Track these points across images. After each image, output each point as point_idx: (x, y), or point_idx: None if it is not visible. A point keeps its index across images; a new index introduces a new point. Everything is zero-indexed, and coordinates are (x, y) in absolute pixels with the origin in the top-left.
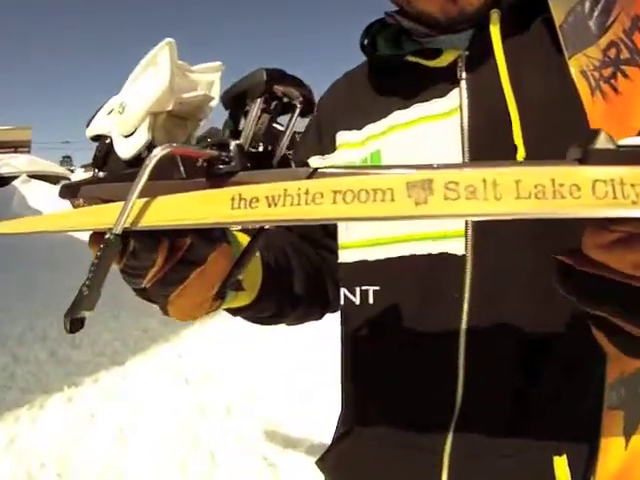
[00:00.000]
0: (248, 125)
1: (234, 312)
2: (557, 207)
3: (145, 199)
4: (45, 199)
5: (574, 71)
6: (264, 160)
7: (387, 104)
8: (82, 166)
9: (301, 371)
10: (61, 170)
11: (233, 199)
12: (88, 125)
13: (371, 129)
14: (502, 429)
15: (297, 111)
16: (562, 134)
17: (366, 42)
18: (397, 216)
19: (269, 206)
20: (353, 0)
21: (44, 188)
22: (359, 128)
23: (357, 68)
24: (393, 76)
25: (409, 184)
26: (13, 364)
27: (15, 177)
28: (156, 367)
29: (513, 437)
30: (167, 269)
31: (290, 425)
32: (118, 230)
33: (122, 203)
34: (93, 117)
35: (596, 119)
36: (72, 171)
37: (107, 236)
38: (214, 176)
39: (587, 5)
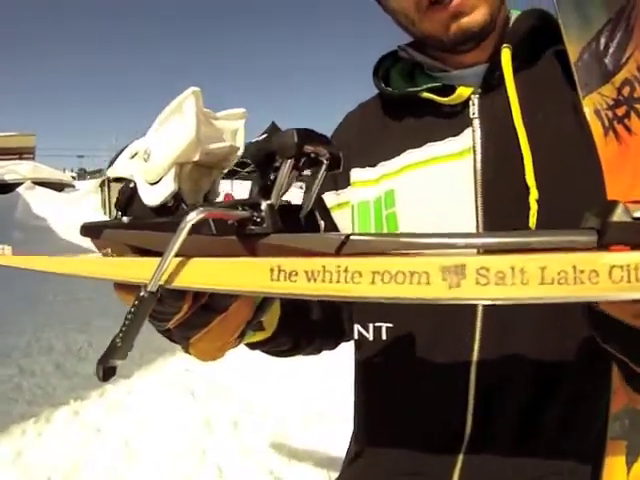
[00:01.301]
0: (279, 185)
1: (251, 346)
2: (577, 292)
3: (180, 258)
4: (49, 206)
5: (588, 111)
6: (292, 214)
7: (400, 141)
8: (88, 173)
9: (308, 385)
10: (65, 177)
11: (272, 270)
12: (110, 165)
13: (385, 167)
14: (508, 460)
15: (324, 167)
16: (574, 176)
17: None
18: (432, 298)
19: (308, 281)
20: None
21: (48, 195)
22: (373, 165)
23: (371, 100)
24: (406, 111)
25: (444, 268)
26: (19, 376)
27: (19, 184)
28: (162, 381)
29: (518, 467)
30: (190, 314)
31: (297, 439)
32: (153, 288)
33: (155, 259)
34: (116, 157)
35: (609, 161)
36: (75, 178)
37: (142, 293)
38: (245, 236)
39: (602, 41)
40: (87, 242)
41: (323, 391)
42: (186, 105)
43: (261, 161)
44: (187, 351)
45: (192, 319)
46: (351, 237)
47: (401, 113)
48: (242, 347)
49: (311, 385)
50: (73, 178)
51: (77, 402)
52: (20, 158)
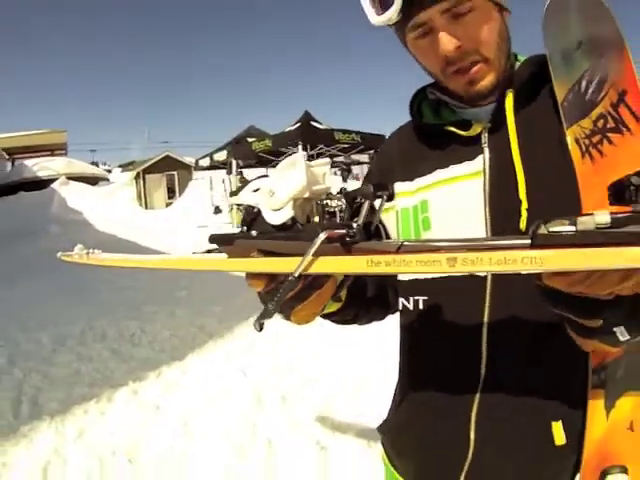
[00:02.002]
0: (362, 214)
1: (325, 316)
2: (503, 269)
3: (315, 255)
4: (84, 200)
5: (570, 139)
6: (367, 228)
7: (431, 162)
8: (119, 166)
9: (351, 361)
10: (98, 171)
11: (367, 261)
12: (234, 194)
13: (420, 182)
14: (515, 400)
15: (385, 199)
16: (557, 192)
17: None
18: (442, 271)
19: (386, 266)
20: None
21: (83, 189)
22: (411, 180)
23: (408, 124)
24: (435, 138)
25: (447, 258)
26: (77, 362)
27: (53, 180)
28: (213, 361)
29: (523, 406)
30: (299, 290)
31: (341, 411)
32: (297, 274)
33: (289, 259)
34: (240, 189)
35: (584, 178)
36: (110, 171)
37: (290, 278)
38: (345, 244)
39: (584, 83)
40: (122, 233)
41: (366, 366)
42: (298, 163)
43: (350, 199)
44: (287, 318)
45: (300, 293)
46: (404, 243)
47: (431, 139)
48: (286, 328)
49: (353, 362)
50: (108, 172)
51: (135, 383)
52: (52, 155)
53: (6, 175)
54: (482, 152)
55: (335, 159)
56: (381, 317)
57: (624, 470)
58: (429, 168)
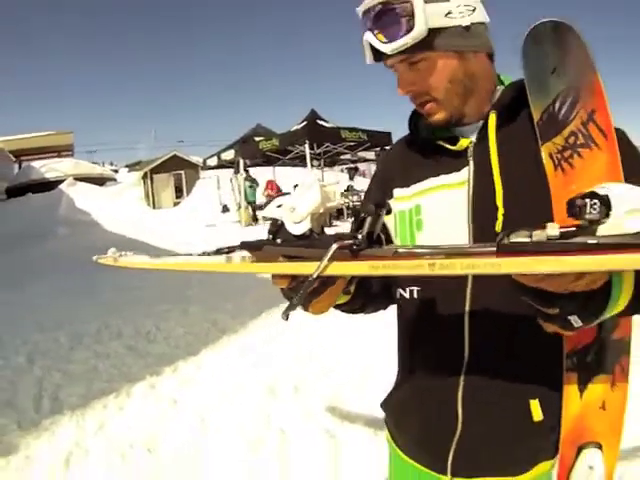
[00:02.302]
0: (365, 227)
1: (335, 307)
2: (481, 272)
3: (330, 261)
4: (91, 200)
5: (544, 154)
6: (370, 237)
7: (425, 171)
8: (126, 166)
9: (359, 354)
10: (106, 171)
11: (369, 266)
12: (261, 208)
13: (415, 188)
14: (495, 381)
15: (384, 214)
16: (531, 200)
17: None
18: (424, 273)
19: (383, 268)
20: None
21: (90, 190)
22: (407, 186)
23: (407, 137)
24: (428, 151)
25: (429, 264)
26: (95, 359)
27: (61, 181)
28: (227, 355)
29: (503, 385)
30: (316, 286)
31: (350, 402)
32: (315, 275)
33: (309, 263)
34: (266, 204)
35: (556, 189)
36: (116, 171)
37: (310, 278)
38: (353, 251)
39: (557, 105)
40: (131, 233)
41: (373, 358)
42: (314, 186)
43: (356, 215)
44: (306, 310)
45: (317, 290)
46: (398, 250)
47: (425, 151)
48: (296, 323)
49: (362, 353)
50: (115, 172)
51: (152, 378)
52: (59, 156)
53: (13, 177)
54: (468, 164)
55: (342, 157)
56: (384, 307)
57: (598, 446)
58: (423, 176)
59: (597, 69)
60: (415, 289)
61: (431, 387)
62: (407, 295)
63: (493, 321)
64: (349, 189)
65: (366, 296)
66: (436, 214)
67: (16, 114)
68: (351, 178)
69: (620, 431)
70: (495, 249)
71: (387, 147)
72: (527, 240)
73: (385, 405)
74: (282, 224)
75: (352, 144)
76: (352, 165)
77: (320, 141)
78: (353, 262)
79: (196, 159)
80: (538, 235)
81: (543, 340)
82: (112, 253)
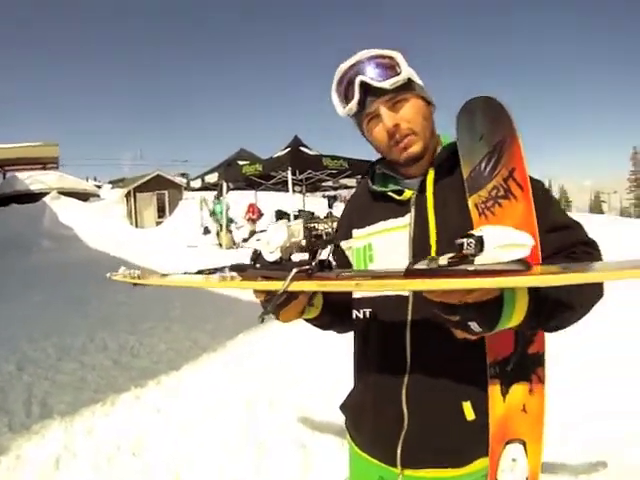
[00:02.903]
0: (317, 257)
1: (308, 321)
2: (391, 289)
3: (291, 280)
4: (75, 215)
5: (471, 204)
6: (322, 264)
7: (377, 216)
8: (110, 182)
9: (328, 369)
10: (90, 187)
11: (318, 284)
12: (245, 241)
13: (368, 229)
14: (433, 384)
15: (332, 248)
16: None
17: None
18: (352, 290)
19: (328, 286)
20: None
21: (74, 204)
22: (362, 227)
23: (364, 184)
24: (380, 199)
25: (356, 283)
26: (82, 370)
27: (45, 193)
28: (208, 372)
29: (439, 388)
30: (283, 300)
31: (322, 412)
32: (282, 290)
33: (278, 282)
34: (248, 238)
35: None
36: (99, 187)
37: (279, 292)
38: (308, 274)
39: (483, 164)
40: (113, 251)
41: (341, 372)
42: (283, 226)
43: (312, 248)
44: (277, 318)
45: (284, 302)
46: (341, 273)
47: (378, 199)
48: (272, 343)
49: (331, 368)
50: (98, 187)
51: (137, 389)
52: (44, 168)
53: None
54: (410, 211)
55: (324, 183)
56: (351, 327)
57: (522, 442)
58: (374, 220)
59: (519, 135)
60: (367, 310)
61: (380, 389)
62: (361, 315)
63: (429, 335)
64: (328, 216)
65: (332, 315)
66: (384, 251)
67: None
68: (330, 206)
69: (541, 430)
70: (403, 273)
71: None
72: (425, 267)
73: (343, 407)
74: (260, 253)
75: (334, 171)
76: (332, 193)
77: (302, 168)
78: (308, 281)
79: (179, 179)
80: (433, 263)
81: (471, 351)
82: (122, 271)
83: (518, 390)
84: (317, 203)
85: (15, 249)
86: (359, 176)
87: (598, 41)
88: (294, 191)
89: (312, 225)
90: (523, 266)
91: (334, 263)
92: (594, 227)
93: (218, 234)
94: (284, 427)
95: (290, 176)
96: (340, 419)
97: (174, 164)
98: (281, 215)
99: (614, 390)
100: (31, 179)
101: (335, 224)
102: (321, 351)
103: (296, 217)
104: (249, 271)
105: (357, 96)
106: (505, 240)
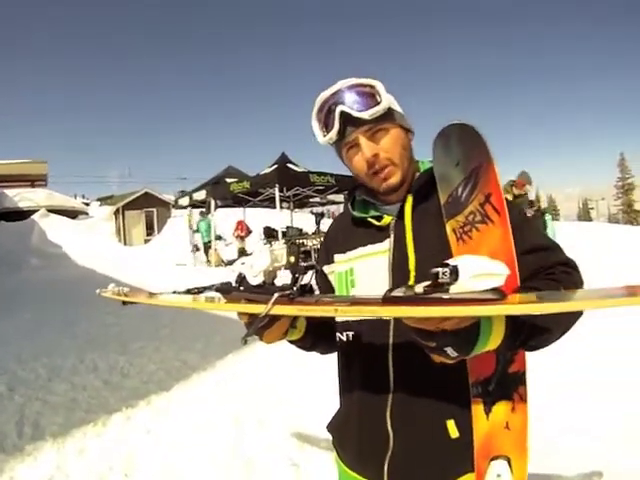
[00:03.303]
0: (298, 282)
1: (291, 342)
2: (368, 315)
3: (273, 305)
4: (63, 233)
5: (449, 229)
6: (304, 289)
7: (357, 241)
8: (98, 199)
9: (314, 387)
10: (78, 205)
11: (298, 309)
12: (230, 264)
13: (349, 255)
14: (417, 404)
15: (313, 274)
16: (436, 265)
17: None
18: (333, 315)
19: (307, 310)
20: None
21: (63, 222)
22: (344, 252)
23: (346, 211)
24: (360, 224)
25: (335, 308)
26: (73, 391)
27: (34, 211)
28: (197, 392)
29: (423, 407)
30: (267, 322)
31: (310, 430)
32: (264, 313)
33: (261, 305)
34: (237, 258)
35: (459, 255)
36: (88, 204)
37: (261, 315)
38: (290, 299)
39: (459, 190)
40: (101, 269)
41: (330, 391)
42: (266, 251)
43: (293, 274)
44: (261, 339)
45: (266, 324)
46: (321, 298)
47: (358, 225)
48: (262, 364)
49: (320, 388)
50: (86, 205)
51: (128, 409)
52: (32, 185)
53: None
54: (389, 237)
55: (311, 199)
56: (333, 350)
57: (506, 459)
58: (355, 245)
59: (494, 160)
60: (350, 333)
61: (365, 410)
62: (344, 338)
63: (412, 355)
64: (316, 232)
65: (315, 336)
66: (365, 276)
67: None
68: (317, 223)
69: (524, 446)
70: (381, 300)
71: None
72: (402, 295)
73: (330, 427)
74: (245, 277)
75: (321, 188)
76: (320, 209)
77: (290, 185)
78: (289, 306)
79: (167, 197)
80: (410, 291)
81: (453, 373)
82: (112, 288)
83: (500, 408)
84: (305, 219)
85: (3, 266)
86: (346, 192)
87: (584, 48)
88: (282, 207)
89: (300, 241)
90: (497, 295)
91: (316, 287)
92: (584, 234)
93: (206, 251)
94: (273, 445)
95: (277, 193)
96: (329, 437)
97: (170, 181)
98: (270, 232)
99: (586, 409)
100: (19, 196)
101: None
102: (306, 370)
103: (284, 234)
104: (233, 294)
105: (337, 126)
106: (480, 270)
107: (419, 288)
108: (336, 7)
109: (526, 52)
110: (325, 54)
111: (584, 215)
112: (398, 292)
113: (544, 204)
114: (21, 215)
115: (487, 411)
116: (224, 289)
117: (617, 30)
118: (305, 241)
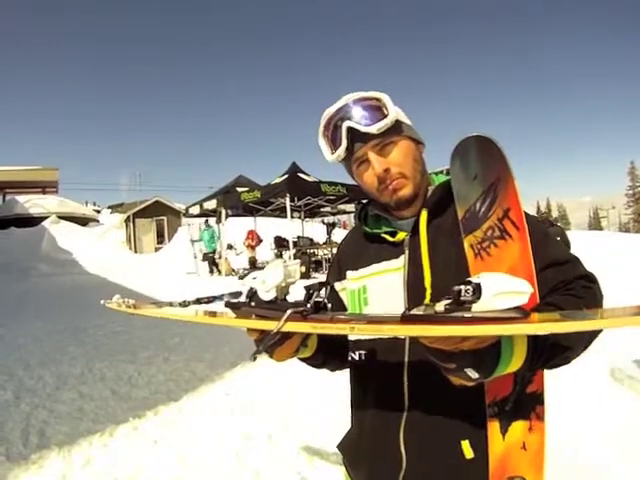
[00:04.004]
0: (313, 299)
1: (302, 360)
2: (387, 334)
3: (285, 321)
4: (74, 240)
5: (466, 245)
6: (317, 305)
7: (370, 257)
8: (109, 207)
9: (326, 402)
10: (89, 212)
11: (312, 326)
12: (241, 278)
13: (362, 272)
14: (431, 424)
15: (328, 289)
16: (453, 282)
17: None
18: (348, 333)
19: (322, 328)
20: None
21: (73, 229)
22: (356, 269)
23: (358, 226)
24: (374, 240)
25: (350, 327)
26: (80, 400)
27: (44, 217)
28: (206, 403)
29: (438, 428)
30: (277, 339)
31: (320, 445)
32: (276, 330)
33: (272, 322)
34: (245, 275)
35: (476, 271)
36: (99, 212)
37: (273, 332)
38: (303, 315)
39: (478, 205)
40: (111, 276)
41: (339, 405)
42: (279, 266)
43: (307, 290)
44: (271, 357)
45: (278, 341)
46: (336, 315)
47: (371, 241)
48: (271, 376)
49: (329, 402)
50: (97, 212)
51: (135, 420)
52: (44, 192)
53: None
54: (404, 253)
55: (322, 209)
56: (344, 367)
57: (523, 479)
58: (368, 262)
59: (513, 174)
60: (363, 352)
61: (377, 430)
62: (357, 357)
63: (427, 375)
64: (327, 242)
65: (326, 355)
66: (379, 293)
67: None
68: (328, 233)
69: (541, 466)
70: (399, 319)
71: (364, 200)
72: (422, 313)
73: (341, 447)
74: (256, 291)
75: (332, 197)
76: (331, 219)
77: (301, 194)
78: (302, 323)
79: (178, 206)
80: (429, 309)
81: (468, 393)
82: (117, 299)
83: (517, 428)
84: (316, 229)
85: (13, 273)
86: (357, 201)
87: (596, 57)
88: (293, 217)
89: (312, 251)
90: (520, 314)
91: (329, 305)
92: (595, 243)
93: (210, 262)
94: (282, 459)
95: (288, 202)
96: (339, 453)
97: (185, 190)
98: (280, 241)
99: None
100: (30, 203)
101: (335, 249)
102: (319, 388)
103: (295, 243)
104: (243, 309)
105: (344, 143)
106: (503, 288)
107: (440, 306)
108: (351, 19)
109: (538, 61)
110: (337, 63)
111: (595, 224)
112: (417, 310)
113: (555, 213)
114: (32, 222)
115: (503, 431)
116: (234, 304)
117: (633, 37)
118: (316, 251)
